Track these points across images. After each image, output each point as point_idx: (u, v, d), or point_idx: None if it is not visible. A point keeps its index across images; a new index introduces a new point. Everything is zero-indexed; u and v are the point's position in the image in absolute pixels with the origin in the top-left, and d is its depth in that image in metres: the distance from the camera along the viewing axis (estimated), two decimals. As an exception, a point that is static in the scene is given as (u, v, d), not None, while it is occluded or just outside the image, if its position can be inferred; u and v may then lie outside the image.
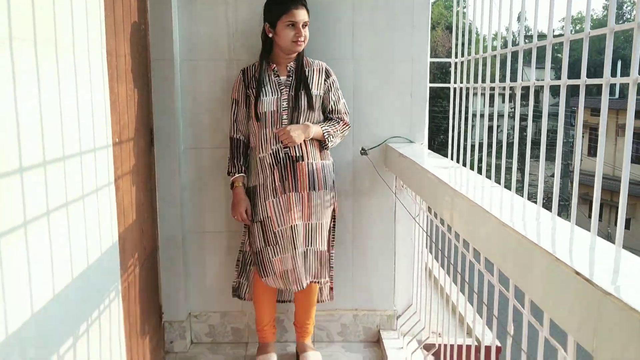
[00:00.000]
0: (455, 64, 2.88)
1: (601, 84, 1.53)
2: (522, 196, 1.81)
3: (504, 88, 2.28)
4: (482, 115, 2.66)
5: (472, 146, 2.71)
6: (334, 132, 2.69)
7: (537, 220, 1.40)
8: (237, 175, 2.69)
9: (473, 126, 2.69)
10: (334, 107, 2.73)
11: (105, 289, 2.01)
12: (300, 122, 2.61)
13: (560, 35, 1.76)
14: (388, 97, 2.95)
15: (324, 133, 2.65)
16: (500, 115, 2.43)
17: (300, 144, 2.61)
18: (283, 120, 2.60)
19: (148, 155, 2.74)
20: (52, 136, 1.57)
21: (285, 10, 2.52)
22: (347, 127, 2.77)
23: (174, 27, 2.79)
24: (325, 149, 2.72)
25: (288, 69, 2.65)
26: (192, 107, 2.93)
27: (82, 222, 1.79)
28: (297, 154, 2.61)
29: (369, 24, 2.90)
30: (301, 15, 2.53)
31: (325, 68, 2.71)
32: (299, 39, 2.54)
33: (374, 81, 2.94)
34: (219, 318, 3.11)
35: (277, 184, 2.61)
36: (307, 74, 2.64)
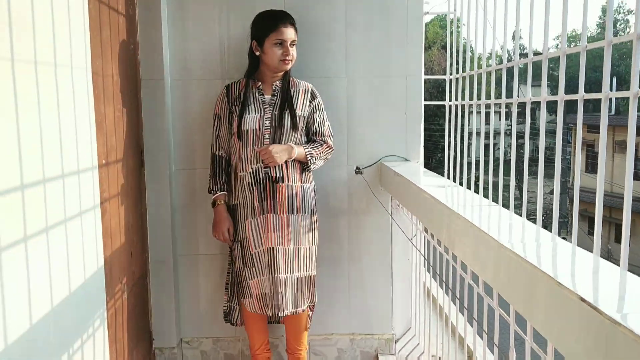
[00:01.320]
0: (450, 80, 2.84)
1: (598, 100, 1.50)
2: (521, 214, 1.76)
3: (499, 105, 2.23)
4: (478, 133, 2.62)
5: (469, 164, 2.66)
6: (317, 154, 2.61)
7: (537, 241, 1.33)
8: (218, 193, 2.62)
9: (470, 144, 2.64)
10: (318, 129, 2.65)
11: (89, 317, 1.94)
12: (283, 143, 2.54)
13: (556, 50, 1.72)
14: (382, 114, 2.90)
15: (306, 155, 2.56)
16: (497, 133, 2.39)
17: (282, 164, 2.53)
18: (265, 140, 2.53)
19: (138, 176, 2.68)
20: (30, 158, 1.51)
21: (273, 28, 2.47)
22: (330, 151, 2.69)
23: (165, 46, 2.75)
24: (307, 171, 2.63)
25: (273, 88, 2.58)
26: (183, 127, 2.88)
27: (64, 247, 1.72)
28: (278, 175, 2.53)
29: (362, 40, 2.86)
30: (289, 33, 2.48)
31: (312, 89, 2.64)
32: (287, 58, 2.48)
33: (368, 99, 2.89)
34: (211, 344, 3.02)
35: (255, 204, 2.53)
36: (292, 94, 2.58)
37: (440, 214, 1.79)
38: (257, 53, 2.53)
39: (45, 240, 1.58)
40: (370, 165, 2.89)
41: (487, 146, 2.67)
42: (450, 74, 2.84)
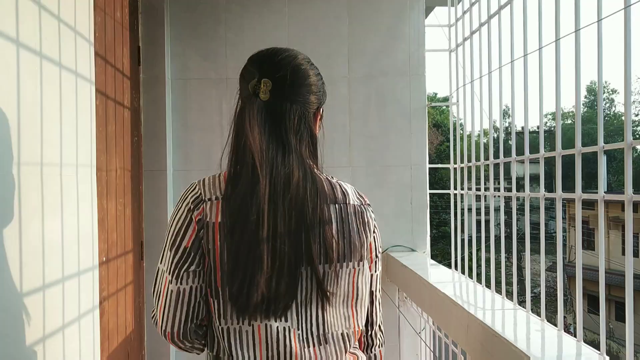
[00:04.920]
0: (455, 169, 2.83)
1: (591, 175, 1.54)
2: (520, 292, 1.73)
3: (498, 189, 2.26)
4: (471, 209, 2.64)
5: (470, 241, 2.63)
6: None
7: (578, 353, 1.25)
8: None
9: (469, 222, 2.62)
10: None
11: None
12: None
13: (551, 129, 1.75)
14: (387, 204, 2.86)
15: None
16: (496, 210, 2.42)
17: None
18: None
19: (137, 270, 2.59)
20: (31, 265, 1.44)
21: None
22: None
23: (168, 138, 2.74)
24: None
25: None
26: (184, 218, 2.82)
27: (61, 357, 1.61)
28: None
29: (366, 130, 2.87)
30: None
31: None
32: None
33: (373, 188, 2.86)
34: None
35: None
36: None
37: (460, 317, 1.71)
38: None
39: (42, 352, 1.48)
40: (375, 256, 2.82)
41: (487, 222, 2.67)
42: (455, 163, 2.84)
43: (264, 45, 1.17)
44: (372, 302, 1.26)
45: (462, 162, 2.74)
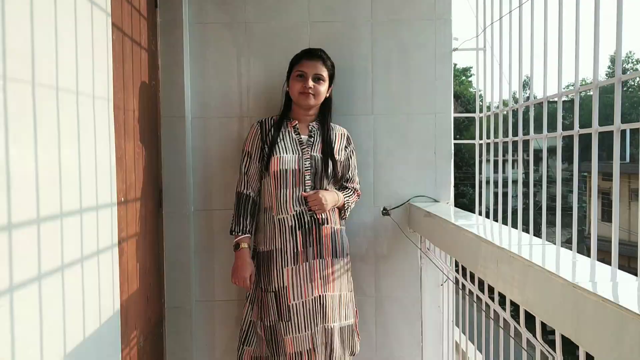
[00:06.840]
0: (480, 119, 2.74)
1: (612, 148, 1.52)
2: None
3: (514, 153, 2.16)
4: (495, 182, 2.54)
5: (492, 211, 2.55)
6: (351, 203, 2.56)
7: (612, 278, 1.19)
8: (242, 235, 2.38)
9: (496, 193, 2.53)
10: (350, 176, 2.57)
11: (103, 366, 1.78)
12: (323, 188, 2.42)
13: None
14: (410, 153, 2.79)
15: (345, 203, 2.50)
16: (514, 182, 2.34)
17: None
18: (306, 182, 2.38)
19: (156, 217, 2.56)
20: (48, 190, 1.40)
21: (297, 61, 2.44)
22: (358, 199, 2.63)
23: (186, 84, 2.68)
24: (342, 219, 2.53)
25: (310, 128, 2.47)
26: (202, 167, 2.77)
27: (80, 288, 1.58)
28: (323, 217, 2.40)
29: (389, 77, 2.78)
30: (311, 66, 2.40)
31: (347, 135, 2.56)
32: (305, 90, 2.37)
33: (395, 137, 2.78)
34: (229, 397, 2.83)
35: (299, 249, 2.35)
36: (331, 138, 2.49)
37: (489, 254, 1.65)
38: (287, 89, 2.48)
39: (60, 280, 1.45)
40: (398, 206, 2.76)
41: (505, 194, 2.58)
42: (480, 112, 2.74)
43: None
44: None
45: (488, 110, 2.64)
